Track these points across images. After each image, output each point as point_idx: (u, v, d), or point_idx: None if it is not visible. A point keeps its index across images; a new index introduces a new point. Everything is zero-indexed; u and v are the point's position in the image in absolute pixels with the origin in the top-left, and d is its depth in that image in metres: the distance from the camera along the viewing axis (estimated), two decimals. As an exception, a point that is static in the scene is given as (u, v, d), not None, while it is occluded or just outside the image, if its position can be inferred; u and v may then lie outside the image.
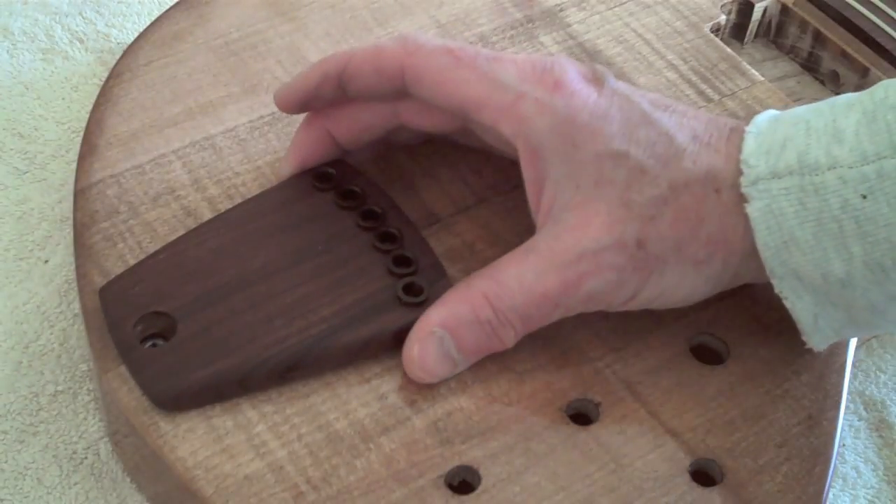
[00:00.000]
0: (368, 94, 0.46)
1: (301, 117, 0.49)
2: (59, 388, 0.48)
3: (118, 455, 0.46)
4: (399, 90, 0.45)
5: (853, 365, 0.46)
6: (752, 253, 0.42)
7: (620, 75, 0.56)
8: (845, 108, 0.41)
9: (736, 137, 0.43)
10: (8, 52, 0.61)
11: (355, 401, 0.43)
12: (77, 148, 0.53)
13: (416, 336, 0.43)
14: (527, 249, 0.43)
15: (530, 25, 0.58)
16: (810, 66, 0.60)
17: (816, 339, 0.44)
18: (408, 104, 0.47)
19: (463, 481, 0.42)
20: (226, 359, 0.43)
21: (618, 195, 0.42)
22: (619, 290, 0.43)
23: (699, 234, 0.42)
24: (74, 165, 0.52)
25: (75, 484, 0.46)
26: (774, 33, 0.62)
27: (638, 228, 0.42)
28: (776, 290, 0.42)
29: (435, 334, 0.42)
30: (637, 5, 0.59)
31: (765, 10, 0.61)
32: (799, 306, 0.43)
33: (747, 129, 0.43)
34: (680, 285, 0.43)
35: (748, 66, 0.57)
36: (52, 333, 0.50)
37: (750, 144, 0.42)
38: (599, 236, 0.42)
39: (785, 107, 0.55)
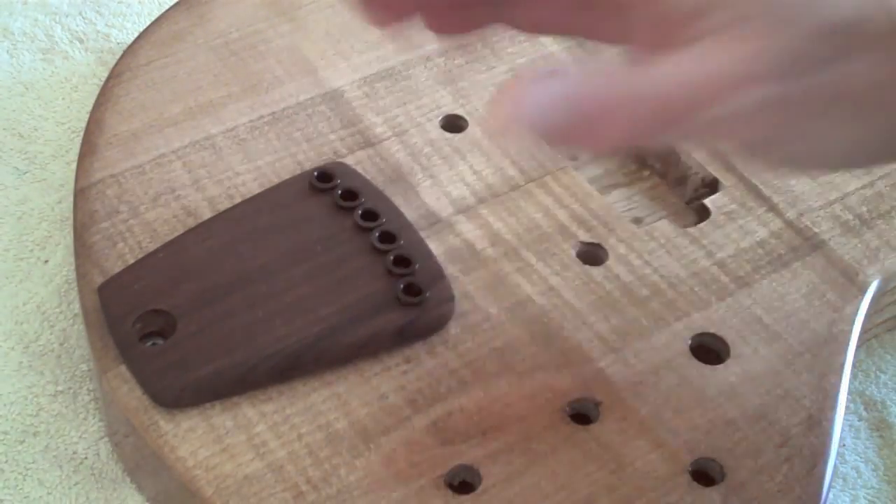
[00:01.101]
0: None
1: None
2: (59, 388, 0.48)
3: (118, 455, 0.46)
4: None
5: (853, 365, 0.46)
6: None
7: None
8: None
9: None
10: (8, 52, 0.61)
11: (355, 401, 0.43)
12: (77, 148, 0.53)
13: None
14: None
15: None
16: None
17: None
18: None
19: (463, 481, 0.42)
20: (225, 357, 0.43)
21: None
22: None
23: None
24: (74, 165, 0.52)
25: (75, 484, 0.46)
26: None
27: None
28: None
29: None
30: (637, 5, 0.59)
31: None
32: None
33: None
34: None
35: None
36: (52, 333, 0.50)
37: None
38: None
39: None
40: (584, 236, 0.49)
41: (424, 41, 0.56)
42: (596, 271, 0.48)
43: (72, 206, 0.49)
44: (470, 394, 0.44)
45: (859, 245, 0.50)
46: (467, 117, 0.53)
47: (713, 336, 0.46)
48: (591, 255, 0.49)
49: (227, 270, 0.45)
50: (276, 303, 0.44)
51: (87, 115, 0.53)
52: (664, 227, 0.50)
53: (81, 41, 0.62)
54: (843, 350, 0.46)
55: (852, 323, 0.47)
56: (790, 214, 0.51)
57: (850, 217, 0.51)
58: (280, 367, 0.43)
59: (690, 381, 0.45)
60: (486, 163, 0.51)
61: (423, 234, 0.48)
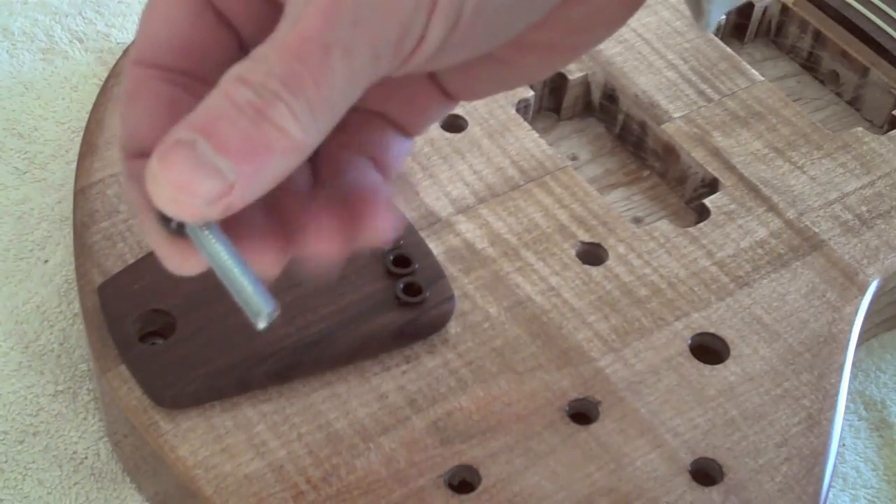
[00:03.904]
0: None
1: None
2: (59, 388, 0.48)
3: (118, 455, 0.46)
4: None
5: (853, 365, 0.46)
6: None
7: (621, 75, 0.56)
8: None
9: None
10: (8, 52, 0.61)
11: (355, 401, 0.43)
12: (77, 148, 0.53)
13: (157, 154, 0.27)
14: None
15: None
16: (810, 65, 0.60)
17: (716, 5, 0.32)
18: None
19: (463, 481, 0.42)
20: (225, 357, 0.43)
21: None
22: None
23: None
24: (74, 165, 0.52)
25: (75, 484, 0.46)
26: (774, 33, 0.62)
27: None
28: None
29: (181, 141, 0.27)
30: (637, 5, 0.59)
31: (765, 10, 0.61)
32: None
33: None
34: None
35: (748, 66, 0.57)
36: (52, 333, 0.50)
37: None
38: None
39: (784, 106, 0.55)
40: (584, 236, 0.49)
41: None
42: (596, 271, 0.48)
43: (72, 206, 0.49)
44: (470, 394, 0.44)
45: (859, 245, 0.50)
46: (467, 117, 0.53)
47: (713, 336, 0.46)
48: (591, 255, 0.49)
49: (227, 270, 0.45)
50: (276, 303, 0.44)
51: (87, 115, 0.53)
52: (664, 227, 0.50)
53: (81, 41, 0.62)
54: (843, 350, 0.46)
55: (852, 323, 0.47)
56: (790, 214, 0.51)
57: (850, 217, 0.51)
58: (280, 366, 0.43)
59: (690, 380, 0.45)
60: (486, 163, 0.51)
61: (422, 233, 0.48)
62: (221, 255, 0.29)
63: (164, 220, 0.28)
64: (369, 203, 0.30)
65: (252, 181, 0.27)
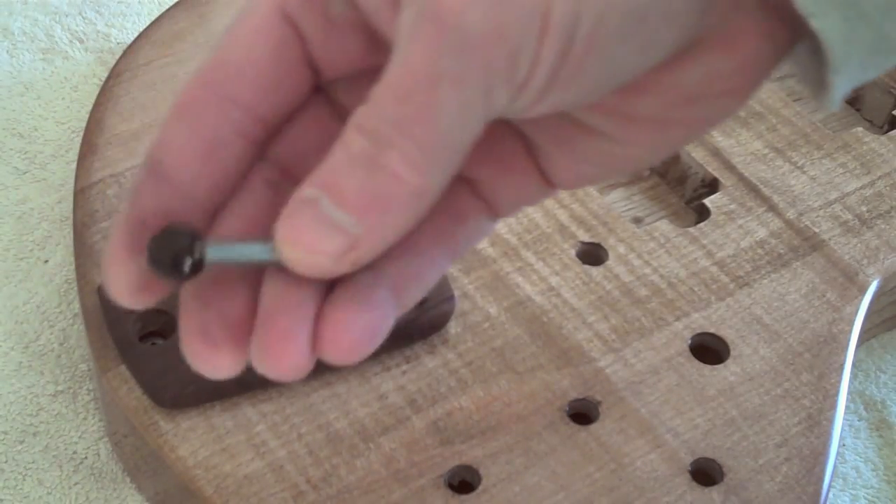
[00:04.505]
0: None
1: None
2: (59, 388, 0.48)
3: (118, 455, 0.46)
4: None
5: (853, 365, 0.46)
6: None
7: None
8: None
9: None
10: (8, 52, 0.61)
11: (355, 401, 0.43)
12: (77, 148, 0.53)
13: (284, 215, 0.27)
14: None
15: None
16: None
17: (842, 78, 0.30)
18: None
19: (463, 481, 0.42)
20: (226, 358, 0.43)
21: None
22: (512, 15, 0.26)
23: None
24: (74, 165, 0.52)
25: (75, 484, 0.46)
26: (774, 33, 0.62)
27: None
28: (799, 7, 0.28)
29: (305, 199, 0.27)
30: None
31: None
32: (827, 24, 0.28)
33: None
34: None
35: (748, 66, 0.57)
36: (52, 333, 0.50)
37: None
38: None
39: (784, 106, 0.55)
40: (584, 236, 0.49)
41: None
42: (596, 271, 0.48)
43: (72, 206, 0.49)
44: (470, 394, 0.44)
45: (859, 245, 0.50)
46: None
47: (713, 336, 0.46)
48: (591, 255, 0.49)
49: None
50: (276, 303, 0.44)
51: (87, 115, 0.53)
52: (664, 226, 0.50)
53: (81, 41, 0.62)
54: (843, 350, 0.46)
55: (852, 323, 0.47)
56: (790, 214, 0.51)
57: (850, 217, 0.51)
58: (280, 366, 0.43)
59: (690, 380, 0.45)
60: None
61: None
62: (242, 259, 0.28)
63: (174, 267, 0.27)
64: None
65: (376, 233, 0.27)
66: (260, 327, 0.28)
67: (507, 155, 0.31)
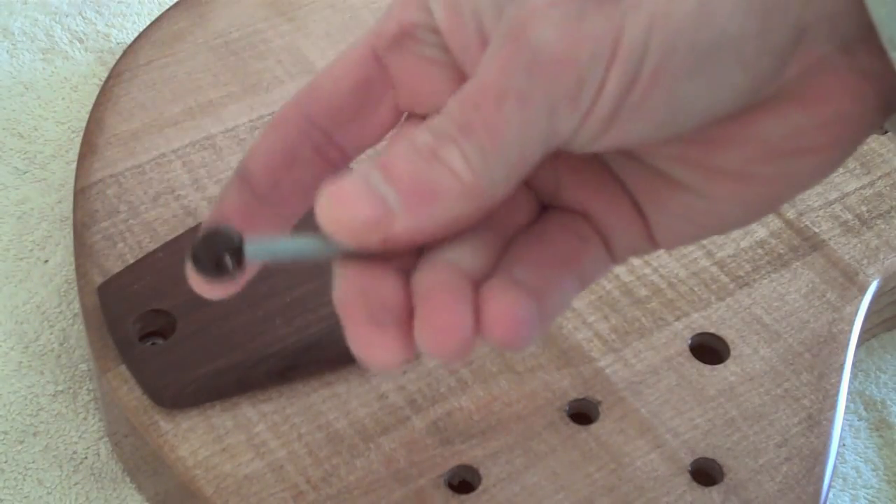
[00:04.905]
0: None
1: None
2: (59, 388, 0.48)
3: (118, 455, 0.46)
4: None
5: (853, 365, 0.46)
6: None
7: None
8: None
9: None
10: (8, 52, 0.61)
11: (355, 401, 0.43)
12: (77, 148, 0.53)
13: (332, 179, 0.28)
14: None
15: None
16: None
17: None
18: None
19: (463, 481, 0.42)
20: (225, 357, 0.43)
21: None
22: (583, 41, 0.27)
23: None
24: (74, 165, 0.52)
25: (75, 484, 0.46)
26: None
27: None
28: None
29: (357, 171, 0.28)
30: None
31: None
32: None
33: None
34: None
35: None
36: (52, 333, 0.50)
37: None
38: None
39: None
40: (584, 236, 0.49)
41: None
42: (596, 271, 0.48)
43: (72, 206, 0.49)
44: (470, 394, 0.44)
45: (859, 245, 0.50)
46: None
47: (713, 336, 0.46)
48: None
49: (227, 270, 0.45)
50: (276, 302, 0.44)
51: (87, 115, 0.53)
52: (664, 226, 0.50)
53: (81, 41, 0.62)
54: (843, 350, 0.46)
55: (852, 323, 0.47)
56: (790, 214, 0.51)
57: (850, 217, 0.51)
58: (280, 367, 0.43)
59: (690, 380, 0.45)
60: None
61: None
62: (286, 254, 0.29)
63: (217, 267, 0.27)
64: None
65: (416, 216, 0.28)
66: (425, 307, 0.28)
67: (616, 198, 0.32)
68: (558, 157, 0.30)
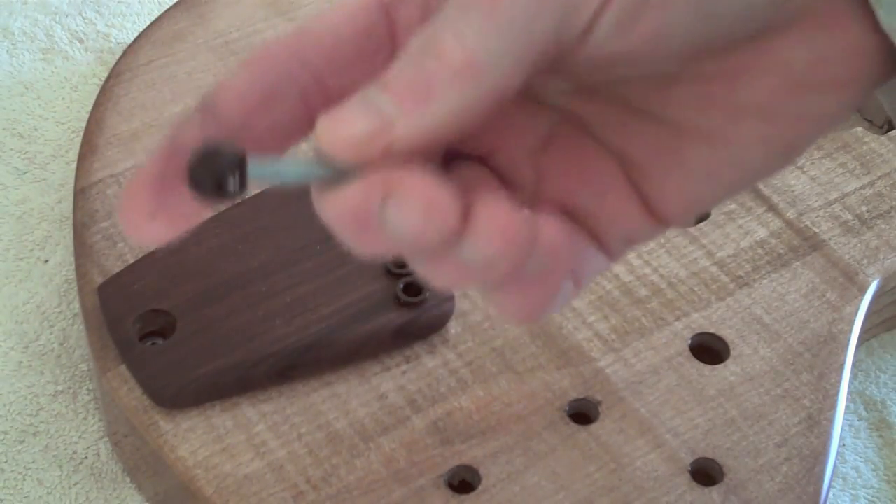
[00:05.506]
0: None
1: None
2: (59, 388, 0.48)
3: (118, 455, 0.46)
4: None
5: (853, 365, 0.46)
6: None
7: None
8: None
9: None
10: (8, 52, 0.61)
11: (355, 401, 0.43)
12: (77, 148, 0.53)
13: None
14: None
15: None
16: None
17: None
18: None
19: (463, 481, 0.42)
20: (225, 357, 0.43)
21: None
22: None
23: None
24: (74, 165, 0.52)
25: (75, 484, 0.46)
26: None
27: None
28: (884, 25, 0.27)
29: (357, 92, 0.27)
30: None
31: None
32: None
33: None
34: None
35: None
36: (52, 333, 0.50)
37: None
38: None
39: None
40: (584, 236, 0.49)
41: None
42: (596, 271, 0.48)
43: (72, 206, 0.49)
44: (470, 394, 0.44)
45: (859, 245, 0.50)
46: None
47: (713, 336, 0.46)
48: (591, 254, 0.49)
49: (227, 270, 0.45)
50: (276, 302, 0.44)
51: (87, 115, 0.53)
52: (664, 226, 0.50)
53: (81, 41, 0.62)
54: (843, 350, 0.46)
55: (852, 323, 0.47)
56: (790, 214, 0.51)
57: (850, 217, 0.51)
58: (280, 367, 0.43)
59: (690, 380, 0.45)
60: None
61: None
62: (286, 176, 0.27)
63: (218, 186, 0.25)
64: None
65: (415, 116, 0.26)
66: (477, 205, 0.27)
67: (606, 179, 0.30)
68: (540, 151, 0.29)
